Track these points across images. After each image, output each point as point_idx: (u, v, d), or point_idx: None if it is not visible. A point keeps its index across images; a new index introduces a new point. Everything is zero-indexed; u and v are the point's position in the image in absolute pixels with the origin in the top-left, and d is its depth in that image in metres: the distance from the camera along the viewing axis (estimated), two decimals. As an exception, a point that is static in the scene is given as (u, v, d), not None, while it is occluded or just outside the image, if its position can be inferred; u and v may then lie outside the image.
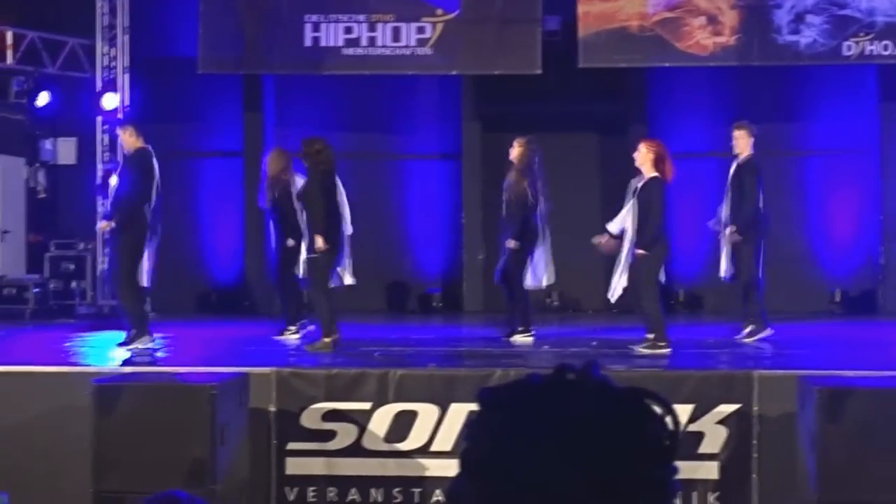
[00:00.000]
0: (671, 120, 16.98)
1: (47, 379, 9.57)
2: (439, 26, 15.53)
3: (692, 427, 9.13)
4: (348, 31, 15.61)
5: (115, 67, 16.49)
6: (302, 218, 11.57)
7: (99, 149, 16.44)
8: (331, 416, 9.38)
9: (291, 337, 12.46)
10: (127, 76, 16.49)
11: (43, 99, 16.68)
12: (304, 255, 11.55)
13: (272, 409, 9.39)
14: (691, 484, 9.12)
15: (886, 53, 15.04)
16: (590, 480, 1.39)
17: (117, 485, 8.18)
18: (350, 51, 15.63)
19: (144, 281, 11.42)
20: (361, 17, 15.59)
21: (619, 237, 11.24)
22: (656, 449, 1.44)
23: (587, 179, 16.70)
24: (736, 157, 12.03)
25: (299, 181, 11.99)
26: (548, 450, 1.40)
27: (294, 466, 9.41)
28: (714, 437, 9.20)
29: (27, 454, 9.28)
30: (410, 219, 17.59)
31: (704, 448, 9.19)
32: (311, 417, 9.38)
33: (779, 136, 16.61)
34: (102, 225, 12.70)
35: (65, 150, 17.23)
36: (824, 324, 14.98)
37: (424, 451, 9.32)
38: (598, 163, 16.94)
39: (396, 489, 9.36)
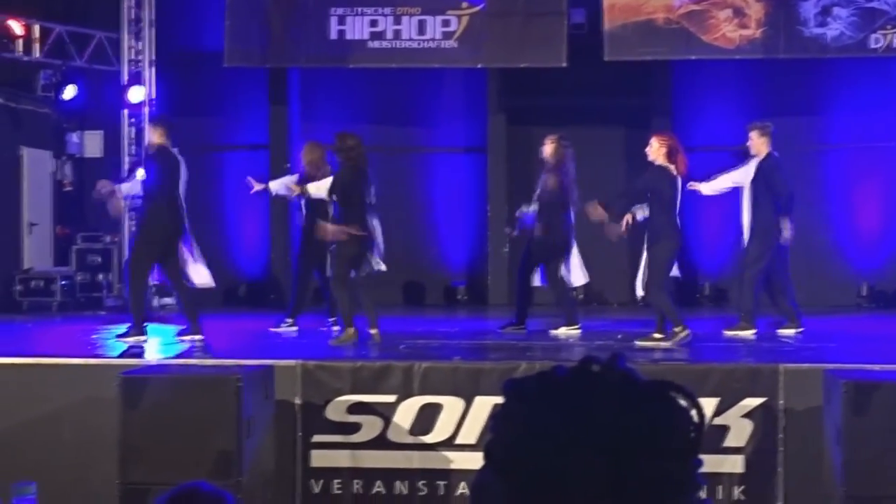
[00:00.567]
0: (696, 113, 16.94)
1: (74, 371, 9.61)
2: (465, 19, 15.53)
3: (717, 420, 9.12)
4: (374, 24, 15.62)
5: (141, 61, 16.55)
6: (330, 210, 11.67)
7: (125, 142, 16.51)
8: (356, 408, 9.40)
9: (289, 329, 12.54)
10: (153, 69, 16.55)
11: (70, 92, 16.76)
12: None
13: (297, 401, 9.41)
14: (716, 477, 9.11)
15: (914, 46, 14.97)
16: (614, 473, 1.39)
17: (143, 476, 8.21)
18: (375, 44, 15.64)
19: (195, 280, 11.47)
20: (387, 10, 15.60)
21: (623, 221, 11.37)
22: (681, 442, 1.44)
23: (612, 172, 16.66)
24: (754, 157, 12.02)
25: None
26: (572, 442, 1.40)
27: (319, 459, 9.42)
28: (739, 431, 9.18)
29: (54, 445, 9.33)
30: (435, 212, 17.60)
31: (729, 442, 9.16)
32: (336, 410, 9.40)
33: (804, 130, 16.56)
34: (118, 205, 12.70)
35: (91, 143, 17.31)
36: (850, 317, 14.93)
37: (449, 443, 9.33)
38: (622, 156, 16.90)
39: (421, 482, 9.37)
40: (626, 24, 15.21)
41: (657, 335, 11.16)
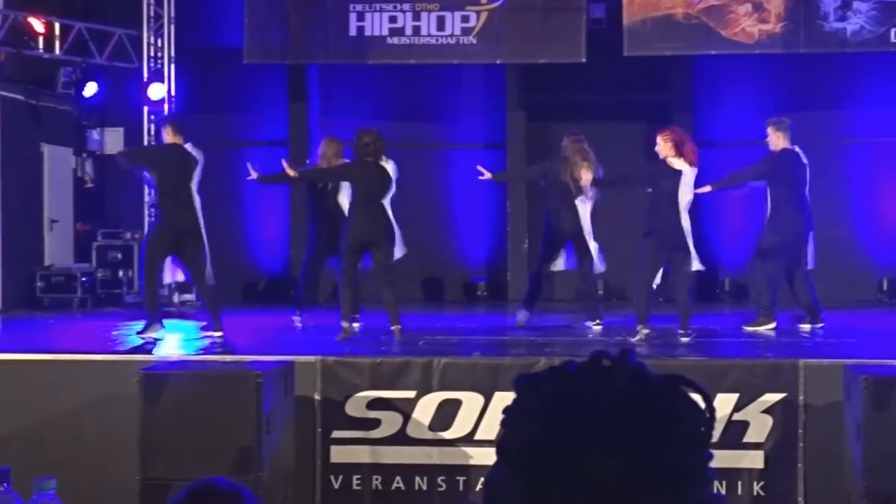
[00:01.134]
0: (716, 108, 16.91)
1: (95, 367, 9.65)
2: (484, 15, 15.52)
3: (737, 416, 9.11)
4: (393, 20, 15.63)
5: (161, 58, 16.58)
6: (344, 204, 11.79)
7: (146, 138, 16.54)
8: (375, 404, 9.42)
9: (295, 323, 12.57)
10: (173, 66, 16.59)
11: (90, 89, 16.81)
12: None
13: (317, 397, 9.43)
14: (736, 473, 9.10)
15: (935, 40, 14.91)
16: (625, 466, 1.39)
17: (164, 472, 8.24)
18: (395, 40, 15.64)
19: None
20: (406, 6, 15.60)
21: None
22: (692, 435, 1.45)
23: (631, 168, 16.62)
24: (771, 152, 12.05)
25: None
26: (584, 436, 1.41)
27: (339, 454, 9.45)
28: (759, 427, 9.17)
29: (75, 441, 9.38)
30: (455, 208, 17.60)
31: (749, 437, 9.16)
32: (355, 406, 9.42)
33: (825, 124, 16.51)
34: None
35: (112, 140, 17.35)
36: (871, 312, 14.89)
37: (469, 439, 9.34)
38: (642, 151, 16.86)
39: (441, 477, 9.38)
40: (645, 19, 15.18)
41: (680, 331, 11.16)
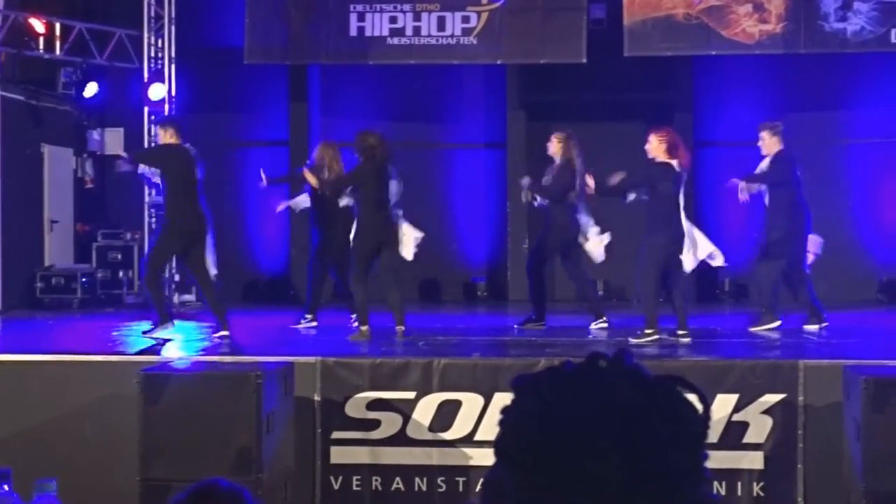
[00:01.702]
0: (717, 108, 16.92)
1: (95, 368, 9.65)
2: (484, 15, 15.52)
3: (737, 417, 9.11)
4: (393, 20, 15.63)
5: (161, 58, 16.59)
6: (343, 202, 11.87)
7: (146, 139, 16.55)
8: (375, 405, 9.42)
9: (308, 325, 12.57)
10: (173, 67, 16.59)
11: (91, 90, 16.82)
12: None
13: (317, 397, 9.43)
14: (736, 474, 9.11)
15: (935, 40, 14.91)
16: (623, 466, 1.40)
17: (164, 473, 8.24)
18: (395, 40, 15.64)
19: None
20: (406, 7, 15.60)
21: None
22: (689, 435, 1.46)
23: (632, 168, 16.62)
24: (765, 157, 12.05)
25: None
26: (582, 436, 1.42)
27: (338, 455, 9.45)
28: (759, 427, 9.17)
29: (75, 442, 9.38)
30: (455, 208, 17.61)
31: (749, 438, 9.16)
32: (355, 406, 9.42)
33: (825, 124, 16.51)
34: None
35: (112, 141, 17.36)
36: (871, 313, 14.89)
37: (468, 440, 9.34)
38: (643, 152, 16.86)
39: (440, 478, 9.38)
40: (645, 19, 15.18)
41: (679, 332, 11.15)
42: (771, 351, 10.70)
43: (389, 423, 9.41)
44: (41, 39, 16.32)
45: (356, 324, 11.79)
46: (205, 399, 8.48)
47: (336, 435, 9.45)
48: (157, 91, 16.43)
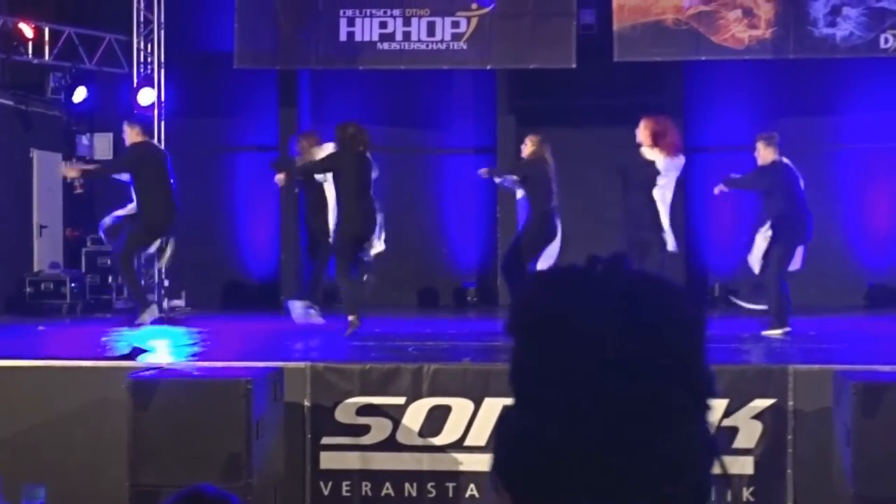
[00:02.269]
0: (707, 113, 16.93)
1: (84, 373, 9.63)
2: (474, 21, 15.52)
3: (727, 422, 9.11)
4: (383, 25, 15.63)
5: (151, 63, 16.56)
6: (330, 196, 11.92)
7: (134, 144, 16.50)
8: (365, 410, 9.41)
9: (315, 318, 12.51)
10: (163, 71, 16.56)
11: (80, 94, 16.80)
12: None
13: (307, 403, 9.42)
14: (726, 478, 9.09)
15: (924, 46, 14.95)
16: (625, 329, 1.43)
17: (153, 479, 8.23)
18: (385, 45, 15.64)
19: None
20: (396, 12, 15.60)
21: None
22: (686, 321, 1.48)
23: (622, 173, 16.64)
24: (760, 166, 12.13)
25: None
26: (588, 308, 1.46)
27: (328, 461, 9.43)
28: (749, 432, 9.17)
29: (64, 448, 9.35)
30: (445, 213, 17.61)
31: (739, 443, 9.16)
32: (345, 412, 9.41)
33: (815, 130, 16.53)
34: None
35: (101, 146, 17.34)
36: (860, 318, 14.91)
37: (459, 445, 9.33)
38: (633, 157, 16.88)
39: (430, 483, 9.37)
40: (635, 24, 15.20)
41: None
42: (761, 356, 10.70)
43: (379, 429, 9.39)
44: (30, 44, 16.29)
45: (350, 317, 11.79)
46: (194, 405, 8.46)
47: (326, 440, 9.43)
48: (146, 96, 16.40)
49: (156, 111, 16.32)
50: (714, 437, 1.48)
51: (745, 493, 9.19)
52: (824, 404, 8.97)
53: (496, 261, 17.23)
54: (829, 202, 16.39)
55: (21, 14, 16.23)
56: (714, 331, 12.08)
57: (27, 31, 16.17)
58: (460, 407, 9.34)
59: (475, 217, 17.56)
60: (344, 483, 9.42)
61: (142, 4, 16.46)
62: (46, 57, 16.46)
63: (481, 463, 9.01)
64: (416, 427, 9.38)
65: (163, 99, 16.47)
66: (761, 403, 9.18)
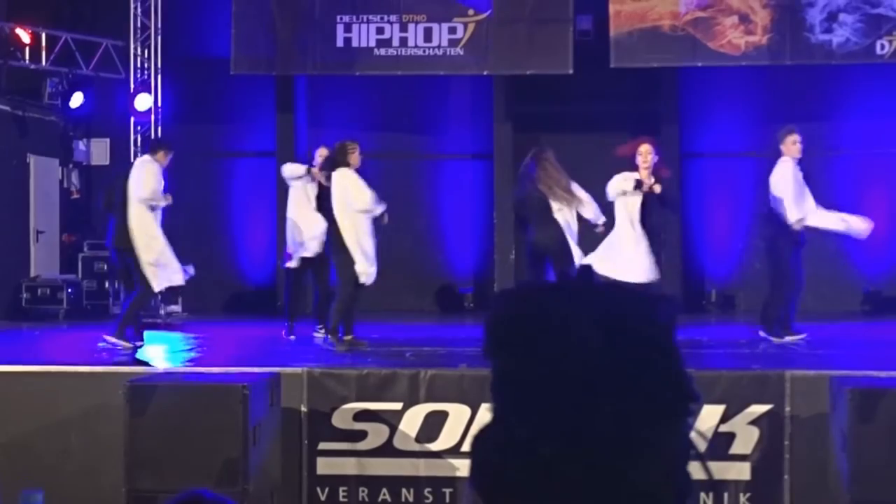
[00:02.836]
0: (704, 119, 16.94)
1: (81, 379, 9.63)
2: (471, 26, 15.53)
3: (724, 427, 9.12)
4: (380, 31, 15.63)
5: (148, 68, 16.57)
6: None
7: (132, 149, 16.52)
8: (362, 416, 9.41)
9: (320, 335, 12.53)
10: (160, 77, 16.57)
11: (76, 100, 16.79)
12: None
13: (304, 409, 9.42)
14: (723, 484, 9.11)
15: (920, 52, 14.97)
16: (608, 340, 1.45)
17: (150, 484, 8.23)
18: (382, 51, 15.65)
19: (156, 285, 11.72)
20: (393, 18, 15.61)
21: None
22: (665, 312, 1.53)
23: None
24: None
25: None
26: (566, 322, 1.46)
27: (325, 466, 9.44)
28: (746, 438, 9.18)
29: (61, 453, 9.35)
30: (442, 219, 17.60)
31: (736, 449, 9.17)
32: (342, 417, 9.41)
33: (811, 135, 16.48)
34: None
35: (98, 151, 17.34)
36: (857, 324, 14.91)
37: (455, 451, 9.33)
38: (630, 163, 16.89)
39: (427, 489, 9.38)
40: (632, 30, 15.21)
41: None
42: (757, 362, 10.70)
43: (376, 434, 9.40)
44: (27, 49, 16.29)
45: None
46: (191, 410, 8.46)
47: (323, 446, 9.43)
48: (143, 101, 16.41)
49: (152, 117, 16.33)
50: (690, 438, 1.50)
51: (742, 499, 9.20)
52: (821, 410, 8.98)
53: (493, 266, 17.24)
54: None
55: (18, 20, 16.23)
56: (710, 337, 12.14)
57: (24, 36, 16.17)
58: (457, 413, 9.35)
59: (472, 223, 17.55)
60: (341, 489, 9.42)
61: (139, 10, 16.47)
62: (43, 62, 16.46)
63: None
64: (413, 433, 9.38)
65: (159, 104, 16.48)
66: (758, 409, 9.20)
